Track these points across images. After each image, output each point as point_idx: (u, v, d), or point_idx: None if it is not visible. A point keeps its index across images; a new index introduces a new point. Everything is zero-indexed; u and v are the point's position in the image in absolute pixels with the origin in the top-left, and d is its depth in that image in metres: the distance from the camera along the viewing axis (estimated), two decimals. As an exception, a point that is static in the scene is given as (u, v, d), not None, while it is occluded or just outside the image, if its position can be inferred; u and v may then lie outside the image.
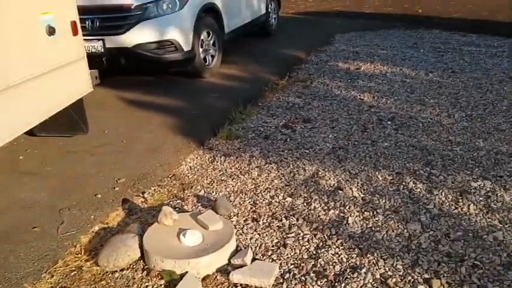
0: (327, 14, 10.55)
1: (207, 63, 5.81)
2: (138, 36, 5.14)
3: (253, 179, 3.35)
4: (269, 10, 7.91)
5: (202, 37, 5.64)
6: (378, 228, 2.65)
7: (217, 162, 3.67)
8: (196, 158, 3.77)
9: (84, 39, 5.11)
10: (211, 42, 5.87)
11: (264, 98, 5.12)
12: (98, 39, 5.15)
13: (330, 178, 3.28)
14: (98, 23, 5.17)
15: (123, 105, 5.05)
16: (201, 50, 5.63)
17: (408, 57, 6.47)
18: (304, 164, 3.51)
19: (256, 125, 4.38)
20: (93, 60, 5.17)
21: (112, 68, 5.48)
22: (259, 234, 2.65)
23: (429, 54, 6.55)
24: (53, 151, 3.95)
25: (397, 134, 3.98)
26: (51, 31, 3.26)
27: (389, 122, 4.25)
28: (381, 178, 3.26)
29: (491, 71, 5.69)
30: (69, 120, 3.89)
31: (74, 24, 3.53)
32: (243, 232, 2.68)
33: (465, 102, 4.70)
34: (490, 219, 2.70)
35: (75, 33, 3.55)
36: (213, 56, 5.92)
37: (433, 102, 4.71)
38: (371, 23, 8.99)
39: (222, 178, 3.40)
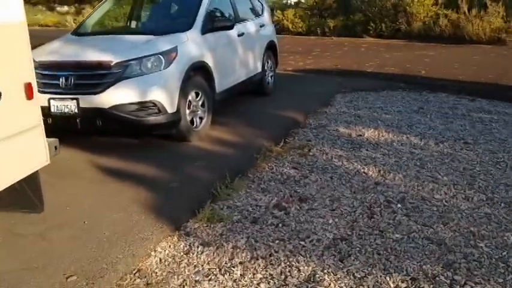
0: (327, 72, 10.15)
1: (194, 126, 5.26)
2: (117, 96, 4.61)
3: (234, 280, 2.72)
4: (265, 68, 7.45)
5: (189, 98, 5.11)
6: None
7: (193, 253, 3.04)
8: (169, 247, 3.14)
9: (57, 98, 4.67)
10: (200, 103, 5.34)
11: (255, 168, 4.54)
12: (72, 99, 4.62)
13: (330, 284, 2.64)
14: (72, 81, 4.66)
15: (94, 173, 4.44)
16: (187, 111, 5.09)
17: (415, 123, 5.94)
18: (298, 262, 2.88)
19: (244, 203, 3.77)
20: (66, 121, 4.72)
21: (87, 130, 4.94)
22: None
23: (437, 121, 6.03)
24: (-1, 233, 3.31)
25: (409, 222, 3.37)
26: (-5, 95, 2.71)
27: (399, 205, 3.64)
28: (392, 286, 2.62)
29: (507, 143, 5.15)
30: (22, 196, 3.28)
31: (28, 86, 2.98)
32: None
33: (483, 181, 4.12)
34: None
35: (29, 96, 2.99)
36: (201, 118, 5.38)
37: (447, 181, 4.12)
38: (373, 83, 8.54)
39: (197, 278, 2.77)
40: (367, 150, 4.98)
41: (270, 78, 7.75)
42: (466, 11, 14.58)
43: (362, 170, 4.39)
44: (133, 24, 6.55)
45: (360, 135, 5.48)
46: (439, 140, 5.25)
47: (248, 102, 7.18)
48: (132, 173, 4.41)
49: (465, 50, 12.78)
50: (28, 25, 3.10)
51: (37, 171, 3.21)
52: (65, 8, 12.49)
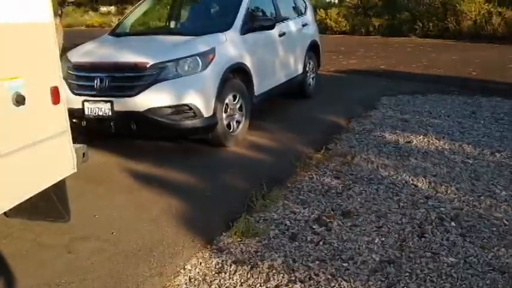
0: (372, 73, 9.75)
1: (231, 130, 5.03)
2: (152, 99, 4.43)
3: (269, 307, 2.46)
4: (307, 69, 7.15)
5: (226, 101, 4.89)
6: None
7: (225, 273, 2.80)
8: (200, 264, 2.91)
9: (91, 101, 4.53)
10: (238, 106, 5.11)
11: (294, 177, 4.26)
12: (106, 101, 4.48)
13: (376, 316, 2.35)
14: (107, 83, 4.51)
15: (126, 180, 4.28)
16: (224, 115, 4.87)
17: (467, 129, 5.52)
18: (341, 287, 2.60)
19: (282, 215, 3.51)
20: (101, 124, 4.58)
21: (122, 133, 4.80)
22: None
23: (492, 127, 5.59)
24: (24, 242, 3.17)
25: (465, 243, 3.02)
26: (19, 100, 2.54)
27: (453, 223, 3.29)
28: (449, 321, 2.30)
29: None
30: (49, 204, 3.12)
31: (54, 90, 2.81)
32: None
33: (549, 197, 3.71)
34: None
35: (55, 101, 2.82)
36: (238, 122, 5.15)
37: (507, 196, 3.73)
38: (420, 85, 8.10)
39: (229, 303, 2.52)
40: (415, 159, 4.62)
41: (311, 79, 7.46)
42: (522, 8, 13.82)
43: (411, 182, 4.05)
44: (171, 24, 6.40)
45: (408, 142, 5.12)
46: (495, 148, 4.82)
47: (288, 105, 6.91)
48: (164, 180, 4.22)
49: (520, 50, 12.09)
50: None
51: (64, 179, 3.05)
52: (106, 9, 12.57)
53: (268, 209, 3.62)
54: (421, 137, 5.28)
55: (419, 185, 3.99)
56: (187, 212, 3.59)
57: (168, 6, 6.50)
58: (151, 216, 3.52)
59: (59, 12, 10.31)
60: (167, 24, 6.44)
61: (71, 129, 3.02)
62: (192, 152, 4.97)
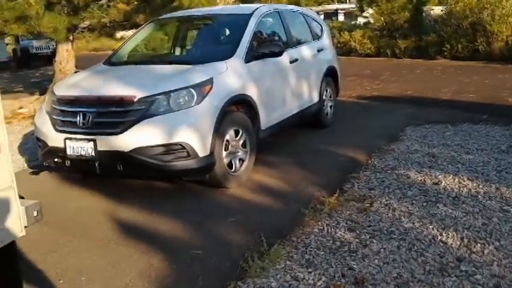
0: (396, 99, 9.08)
1: (232, 170, 4.46)
2: (139, 137, 3.91)
3: None
4: (323, 97, 6.56)
5: (227, 137, 4.33)
6: None
7: None
8: None
9: (73, 139, 4.04)
10: (241, 142, 4.54)
11: (301, 228, 3.65)
12: (89, 140, 3.98)
13: None
14: (90, 119, 4.02)
15: (107, 230, 3.73)
16: (224, 153, 4.31)
17: (504, 168, 4.81)
18: None
19: (281, 283, 2.90)
20: (84, 164, 4.08)
21: (108, 175, 4.28)
22: None
23: (534, 165, 4.87)
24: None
25: (511, 331, 2.35)
26: None
27: (493, 299, 2.62)
28: None
29: None
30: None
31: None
32: None
33: None
34: None
35: (-7, 151, 2.30)
36: (242, 160, 4.58)
37: (560, 258, 3.03)
38: (450, 114, 7.40)
39: None
40: (445, 205, 3.95)
41: (329, 108, 6.86)
42: (559, 28, 12.98)
43: (439, 237, 3.38)
44: (170, 52, 5.93)
45: (436, 184, 4.45)
46: (540, 193, 4.12)
47: (302, 136, 6.31)
48: (150, 230, 3.66)
49: (558, 73, 11.25)
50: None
51: (13, 246, 2.51)
52: (122, 34, 12.33)
53: (267, 272, 3.02)
54: (451, 177, 4.60)
55: (450, 241, 3.32)
56: (168, 277, 3.01)
57: (169, 33, 6.03)
58: (125, 281, 2.95)
59: (71, 38, 10.04)
60: (166, 52, 5.98)
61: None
62: (188, 194, 4.41)
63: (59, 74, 9.84)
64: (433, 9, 19.49)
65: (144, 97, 3.98)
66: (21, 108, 9.86)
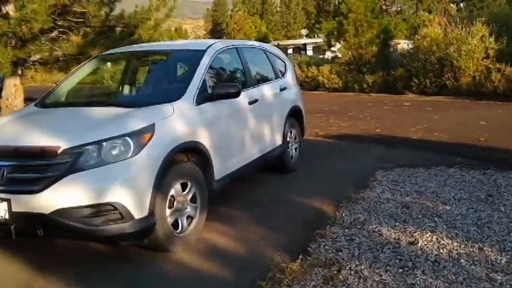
0: (365, 138, 8.65)
1: (179, 230, 3.82)
2: (62, 196, 3.25)
3: None
4: (288, 139, 6.04)
5: (172, 192, 3.71)
6: None
7: None
8: None
9: (-17, 198, 3.34)
10: (189, 197, 3.93)
11: (255, 306, 3.03)
12: (2, 199, 3.30)
13: None
14: (4, 174, 3.35)
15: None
16: (168, 212, 3.68)
17: (485, 221, 4.31)
18: None
19: None
20: (-1, 227, 3.38)
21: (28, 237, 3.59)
22: None
23: (516, 217, 4.40)
24: None
25: None
26: None
27: None
28: None
29: None
30: None
31: None
32: None
33: None
34: None
35: None
36: (190, 218, 3.95)
37: None
38: (421, 156, 6.96)
39: None
40: (423, 272, 3.39)
41: (293, 151, 6.33)
42: (523, 64, 12.94)
43: (419, 319, 2.81)
44: (113, 92, 5.31)
45: (412, 243, 3.91)
46: (529, 255, 3.61)
47: (264, 183, 5.75)
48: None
49: (527, 110, 11.10)
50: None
51: None
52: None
53: None
54: (428, 234, 4.07)
55: (433, 325, 2.75)
56: None
57: (115, 70, 5.43)
58: None
59: (19, 71, 9.35)
60: (108, 92, 5.37)
61: None
62: (126, 259, 3.75)
63: (5, 110, 9.10)
64: (399, 44, 19.56)
65: (69, 148, 3.35)
66: None
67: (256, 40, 30.64)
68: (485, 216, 4.46)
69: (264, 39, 33.38)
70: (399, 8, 43.16)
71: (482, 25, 14.57)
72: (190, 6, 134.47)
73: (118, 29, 10.40)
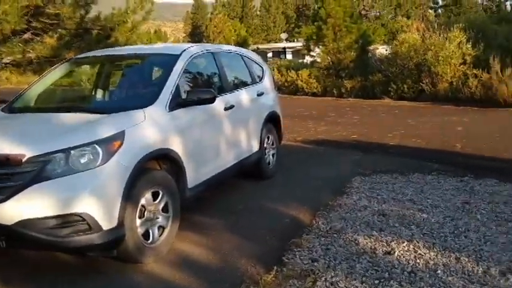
0: (342, 144, 8.63)
1: (150, 241, 3.70)
2: (26, 207, 3.12)
3: None
4: (265, 145, 5.96)
5: (143, 202, 3.60)
6: None
7: None
8: None
9: None
10: (161, 206, 3.82)
11: (228, 321, 2.93)
12: (-39, 210, 3.13)
13: None
14: (-35, 182, 3.19)
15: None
16: (138, 222, 3.56)
17: (462, 230, 4.29)
18: None
19: None
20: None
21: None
22: None
23: (492, 226, 4.37)
24: None
25: None
26: None
27: None
28: None
29: None
30: None
31: None
32: None
33: None
34: None
35: None
36: (162, 228, 3.84)
37: None
38: (398, 162, 6.95)
39: None
40: (400, 284, 3.34)
41: (271, 157, 6.25)
42: (499, 71, 13.08)
43: (395, 334, 2.75)
44: (84, 97, 5.16)
45: (389, 253, 3.86)
46: (506, 265, 3.58)
47: (240, 190, 5.66)
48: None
49: (503, 116, 11.23)
50: None
51: None
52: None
53: None
54: (405, 243, 4.03)
55: None
56: None
57: (87, 73, 5.28)
58: None
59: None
60: (78, 97, 5.22)
61: None
62: (96, 271, 3.61)
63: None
64: (378, 49, 19.66)
65: (35, 156, 3.21)
66: None
67: (236, 43, 30.60)
68: (462, 224, 4.44)
69: (243, 42, 33.29)
70: (378, 13, 43.62)
71: (460, 31, 14.71)
72: (170, 9, 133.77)
73: (94, 32, 10.20)
